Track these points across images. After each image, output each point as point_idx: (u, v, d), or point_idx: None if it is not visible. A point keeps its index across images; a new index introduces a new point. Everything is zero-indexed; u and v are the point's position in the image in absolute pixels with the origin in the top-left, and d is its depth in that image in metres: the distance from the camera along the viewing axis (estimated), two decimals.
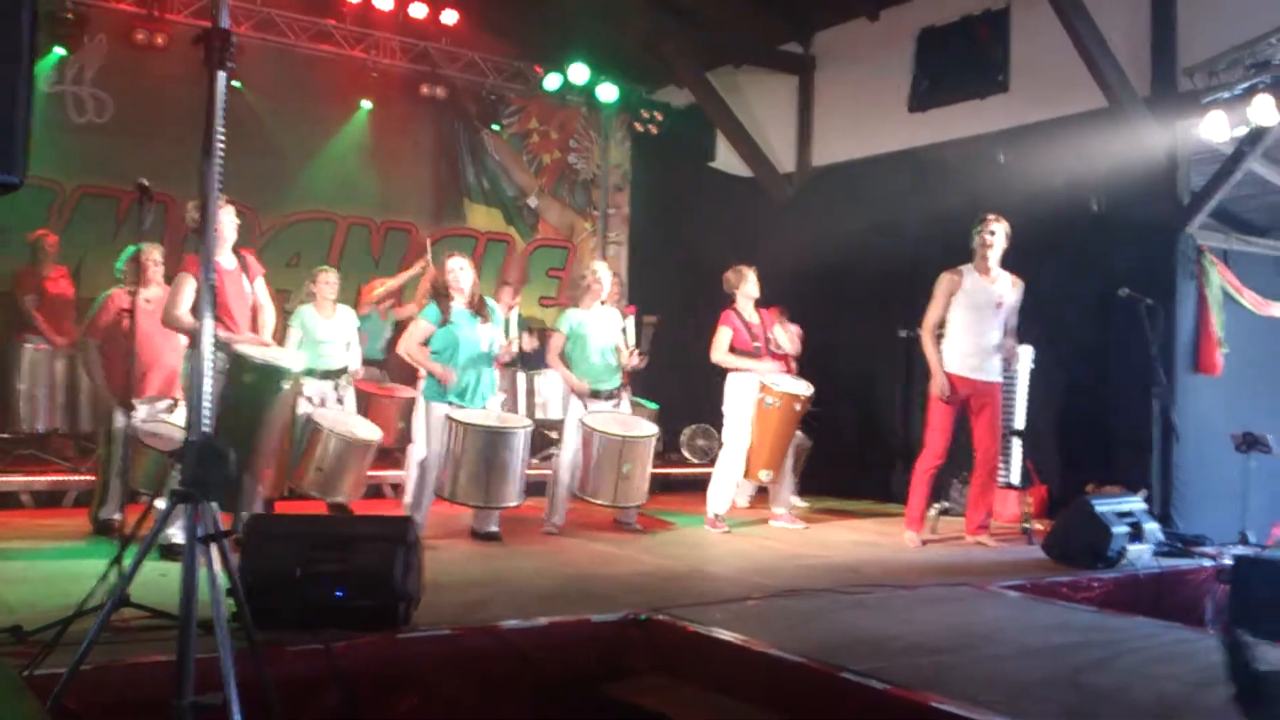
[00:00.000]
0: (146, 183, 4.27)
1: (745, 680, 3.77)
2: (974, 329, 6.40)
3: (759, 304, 7.27)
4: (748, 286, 7.19)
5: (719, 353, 7.10)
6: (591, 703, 3.90)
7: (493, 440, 6.12)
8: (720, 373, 7.22)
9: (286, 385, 5.53)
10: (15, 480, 7.30)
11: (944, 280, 6.46)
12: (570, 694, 3.92)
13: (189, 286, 5.32)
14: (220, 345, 5.34)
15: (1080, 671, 3.61)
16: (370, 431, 6.84)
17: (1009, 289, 6.47)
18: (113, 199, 8.86)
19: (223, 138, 2.90)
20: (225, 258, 5.53)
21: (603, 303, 7.05)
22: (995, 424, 6.48)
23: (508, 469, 6.15)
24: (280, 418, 5.83)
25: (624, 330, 7.06)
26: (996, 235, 6.37)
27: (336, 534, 4.03)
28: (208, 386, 3.08)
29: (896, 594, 5.01)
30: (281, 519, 4.88)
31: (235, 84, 9.08)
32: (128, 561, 3.28)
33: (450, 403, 6.24)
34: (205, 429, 3.04)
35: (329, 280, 7.27)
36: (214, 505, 3.00)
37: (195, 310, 5.22)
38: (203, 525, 2.95)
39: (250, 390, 5.32)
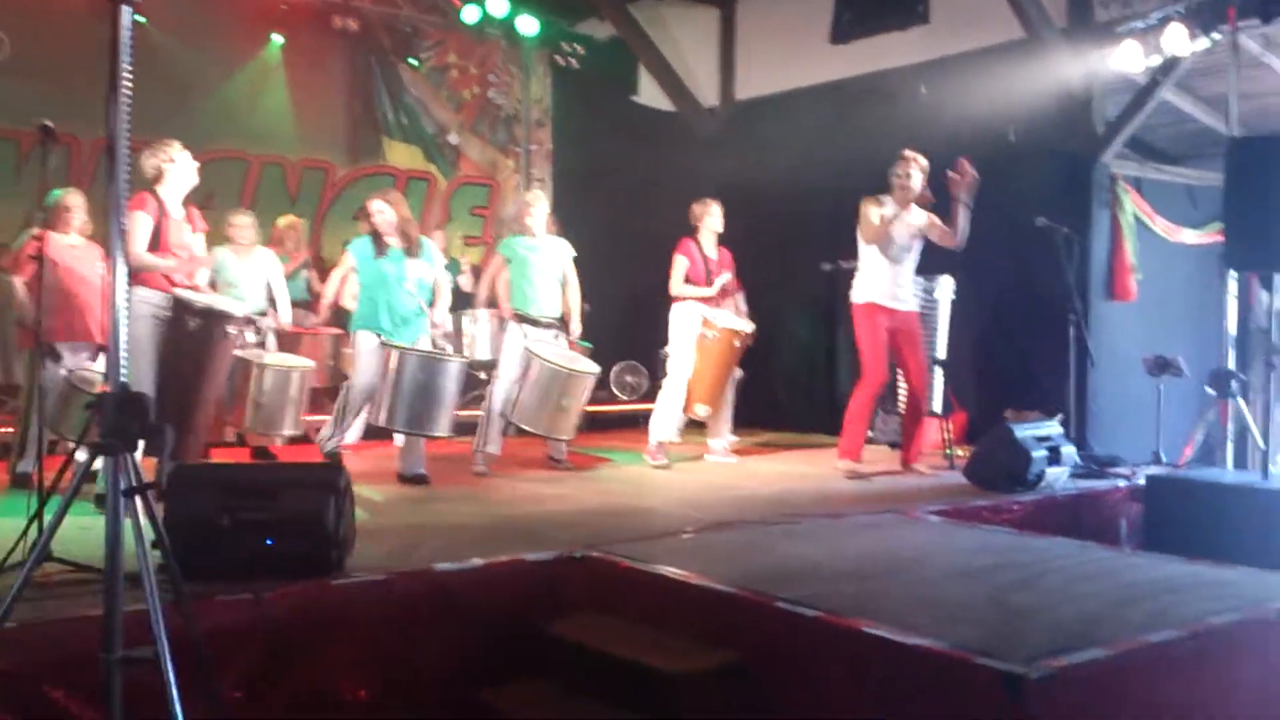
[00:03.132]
0: (50, 124, 4.08)
1: (682, 613, 3.83)
2: (895, 263, 6.49)
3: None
4: (710, 220, 7.25)
5: (675, 284, 7.13)
6: (530, 642, 3.92)
7: (428, 365, 6.03)
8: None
9: (231, 330, 5.45)
10: None
11: (868, 204, 6.52)
12: (508, 634, 3.94)
13: (141, 225, 5.25)
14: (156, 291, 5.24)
15: (1003, 592, 3.72)
16: (300, 360, 6.87)
17: (923, 218, 6.58)
18: (13, 141, 8.48)
19: (129, 76, 2.78)
20: (174, 205, 5.48)
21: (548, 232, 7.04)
22: (920, 353, 6.63)
23: (442, 396, 6.05)
24: (224, 364, 5.73)
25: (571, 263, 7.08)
26: (914, 176, 6.44)
27: (265, 481, 3.96)
28: (124, 334, 2.98)
29: (824, 523, 5.11)
30: (207, 467, 4.78)
31: (139, 18, 8.68)
32: (49, 516, 3.20)
33: (379, 334, 6.18)
34: (124, 377, 2.95)
35: (242, 223, 7.31)
36: (135, 456, 2.93)
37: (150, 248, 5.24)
38: (124, 477, 2.88)
39: (194, 337, 5.26)
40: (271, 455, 6.97)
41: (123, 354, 2.96)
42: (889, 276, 6.51)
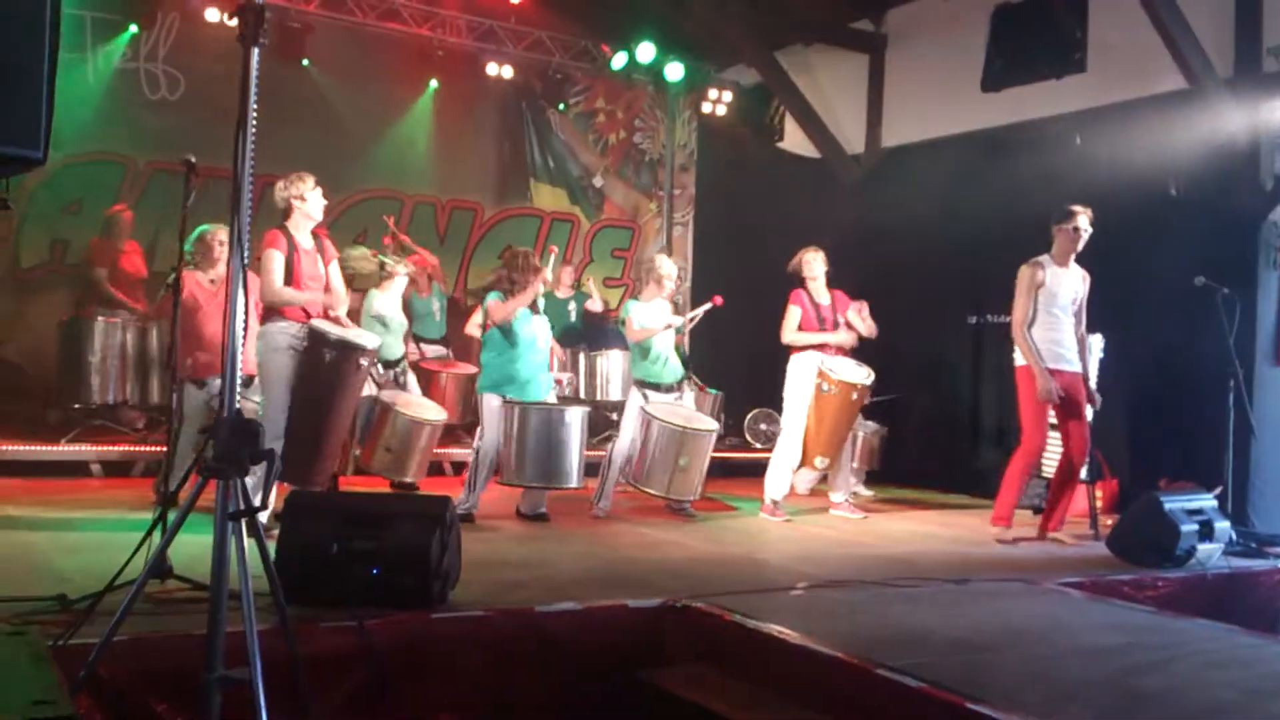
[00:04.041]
0: (193, 159, 4.32)
1: (781, 672, 3.71)
2: (1059, 321, 6.21)
3: (830, 284, 7.16)
4: (807, 269, 7.12)
5: (788, 333, 7.05)
6: (625, 689, 3.86)
7: (549, 418, 6.17)
8: (784, 355, 7.13)
9: (364, 362, 5.57)
10: (86, 450, 7.48)
11: (1025, 274, 6.25)
12: (603, 679, 3.89)
13: (276, 262, 5.33)
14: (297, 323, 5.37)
15: (1129, 674, 3.47)
16: (436, 413, 6.99)
17: (1081, 282, 6.29)
18: (181, 174, 8.98)
19: (255, 112, 2.91)
20: (304, 237, 5.52)
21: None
22: (1082, 418, 6.29)
23: (565, 448, 6.19)
24: (355, 394, 5.88)
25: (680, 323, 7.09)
26: (1085, 231, 6.16)
27: (373, 512, 4.04)
28: (240, 363, 3.08)
29: (945, 588, 4.88)
30: (321, 496, 4.90)
31: (303, 62, 9.17)
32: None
33: (504, 396, 6.30)
34: (236, 405, 3.06)
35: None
36: (244, 481, 3.01)
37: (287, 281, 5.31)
38: (232, 501, 2.96)
39: (329, 367, 5.38)
40: (414, 487, 7.07)
41: (238, 382, 3.07)
42: (1052, 335, 6.22)
